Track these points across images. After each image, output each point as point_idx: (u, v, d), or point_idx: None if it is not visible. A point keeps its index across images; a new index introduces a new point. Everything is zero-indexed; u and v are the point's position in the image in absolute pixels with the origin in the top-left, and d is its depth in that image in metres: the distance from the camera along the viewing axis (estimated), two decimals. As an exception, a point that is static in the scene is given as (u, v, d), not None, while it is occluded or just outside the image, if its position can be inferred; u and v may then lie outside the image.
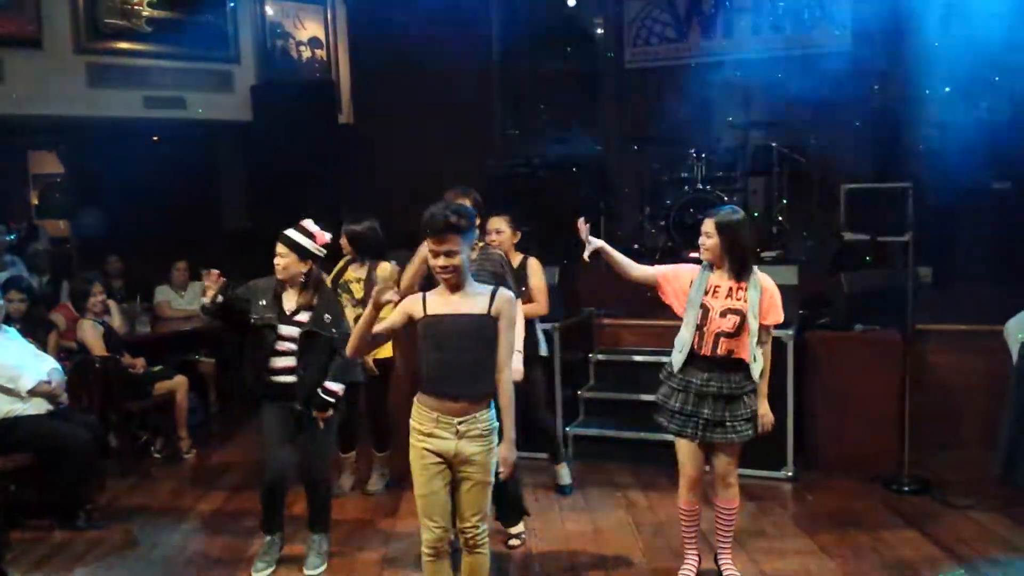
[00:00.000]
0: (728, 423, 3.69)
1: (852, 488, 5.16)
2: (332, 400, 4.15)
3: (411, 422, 3.22)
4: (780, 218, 8.06)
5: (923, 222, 5.45)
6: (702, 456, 3.82)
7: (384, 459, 5.44)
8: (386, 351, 5.22)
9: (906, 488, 5.06)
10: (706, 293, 3.71)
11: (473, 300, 3.14)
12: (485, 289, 3.20)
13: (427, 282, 3.94)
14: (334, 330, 4.13)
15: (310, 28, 9.30)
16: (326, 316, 4.14)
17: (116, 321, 6.41)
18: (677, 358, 3.77)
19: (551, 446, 5.26)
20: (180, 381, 6.30)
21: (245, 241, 8.04)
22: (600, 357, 6.32)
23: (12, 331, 5.15)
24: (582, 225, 4.01)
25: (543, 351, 5.20)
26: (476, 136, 9.07)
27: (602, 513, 4.94)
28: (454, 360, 3.12)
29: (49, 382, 4.93)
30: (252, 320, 4.13)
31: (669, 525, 4.63)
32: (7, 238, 7.52)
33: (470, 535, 3.23)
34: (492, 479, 3.24)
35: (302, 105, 8.44)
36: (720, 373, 3.68)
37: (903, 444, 5.15)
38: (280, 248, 4.11)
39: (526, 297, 4.79)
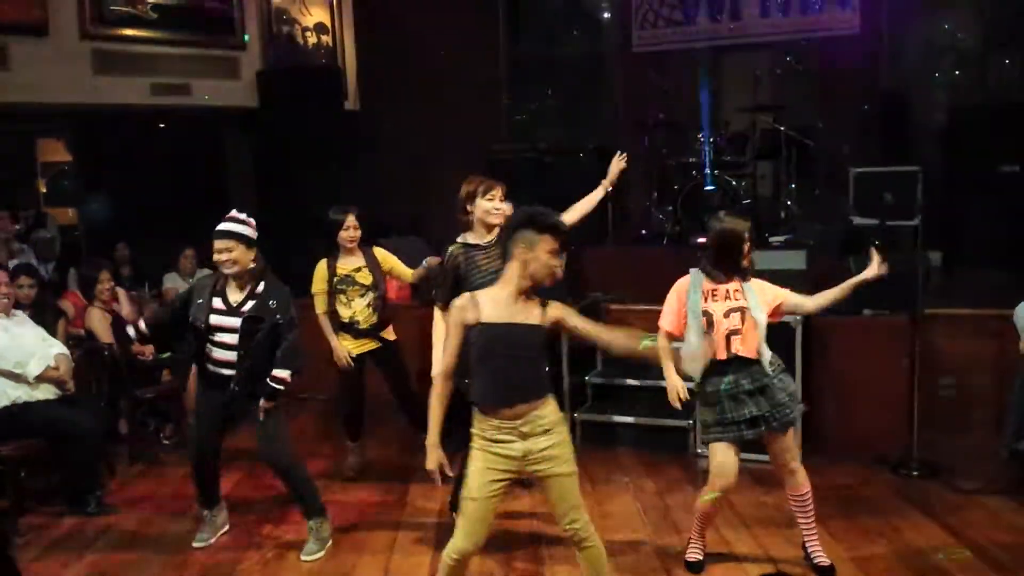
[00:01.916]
0: (769, 413, 3.68)
1: (860, 473, 5.15)
2: (280, 387, 4.15)
3: (473, 429, 3.17)
4: (788, 202, 8.02)
5: (932, 206, 5.42)
6: (738, 462, 3.77)
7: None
8: (389, 334, 5.25)
9: (914, 473, 5.06)
10: (705, 299, 3.72)
11: (528, 309, 3.08)
12: (536, 298, 3.12)
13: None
14: (278, 316, 4.12)
15: (316, 14, 9.26)
16: (271, 302, 4.13)
17: (124, 308, 6.43)
18: (694, 368, 3.76)
19: None
20: (190, 370, 6.30)
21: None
22: (607, 342, 6.30)
23: (21, 315, 5.17)
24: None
25: None
26: (482, 121, 9.04)
27: (609, 498, 4.95)
28: (507, 371, 3.06)
29: (56, 368, 4.94)
30: (190, 319, 4.17)
31: (677, 510, 4.64)
32: (15, 227, 7.53)
33: (571, 531, 3.16)
34: (575, 470, 3.18)
35: (308, 91, 8.42)
36: (739, 371, 3.69)
37: (911, 429, 5.14)
38: (224, 244, 4.07)
39: None
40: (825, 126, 8.21)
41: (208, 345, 4.18)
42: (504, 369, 3.06)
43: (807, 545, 3.97)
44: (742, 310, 3.68)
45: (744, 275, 3.76)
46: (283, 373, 4.14)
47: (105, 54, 8.01)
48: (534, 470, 3.12)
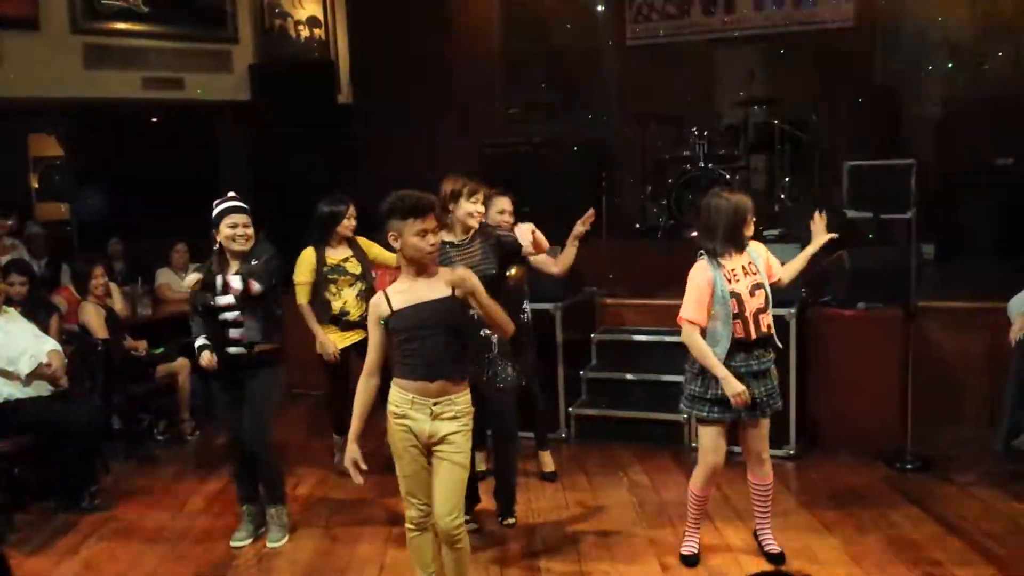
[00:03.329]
0: (764, 398, 3.71)
1: (854, 465, 5.16)
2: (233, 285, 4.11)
3: (388, 405, 3.26)
4: (782, 195, 8.03)
5: (926, 199, 5.43)
6: (726, 442, 3.81)
7: None
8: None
9: (908, 465, 5.07)
10: (729, 282, 3.67)
11: (436, 284, 3.19)
12: (444, 270, 3.24)
13: None
14: (264, 268, 4.18)
15: (308, 7, 9.22)
16: (252, 261, 4.20)
17: (118, 304, 6.40)
18: (717, 352, 3.67)
19: (538, 428, 5.22)
20: (182, 363, 6.29)
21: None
22: (602, 337, 6.31)
23: (13, 312, 5.15)
24: None
25: (527, 317, 5.05)
26: (476, 115, 9.02)
27: (605, 493, 4.94)
28: (427, 346, 3.16)
29: (49, 364, 4.92)
30: (199, 309, 4.20)
31: (672, 504, 4.65)
32: (8, 221, 7.50)
33: (447, 530, 3.21)
34: (468, 465, 3.28)
35: (301, 85, 8.40)
36: (755, 351, 3.69)
37: (905, 421, 5.15)
38: (243, 219, 4.18)
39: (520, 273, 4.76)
40: (819, 119, 8.22)
41: (222, 328, 4.20)
42: (425, 347, 3.16)
43: (759, 533, 4.04)
44: (763, 285, 3.68)
45: (745, 245, 3.75)
46: (236, 284, 4.10)
47: (97, 48, 7.96)
48: (434, 452, 3.22)
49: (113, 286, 6.42)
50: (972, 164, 7.36)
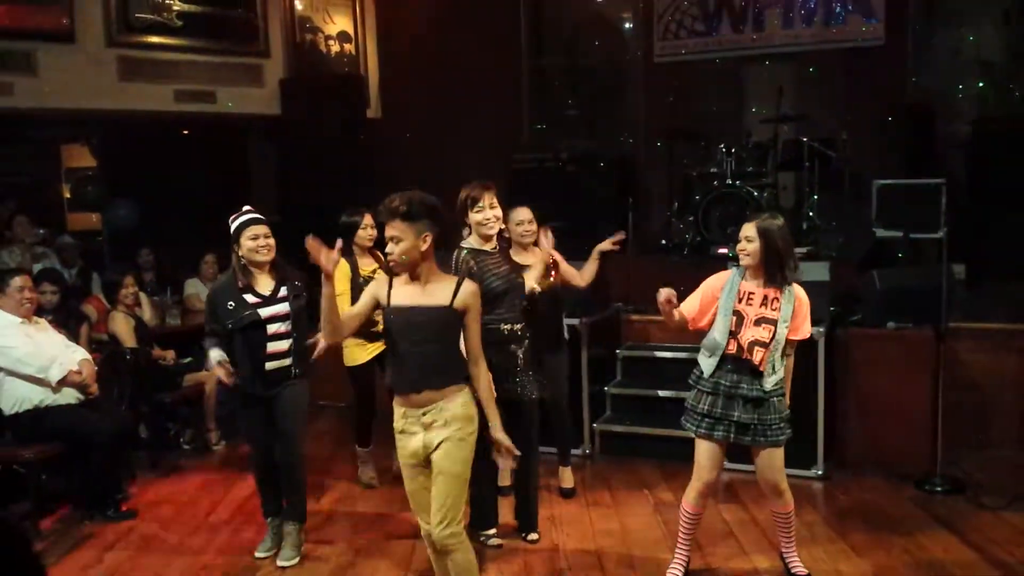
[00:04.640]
0: (757, 425, 3.64)
1: (883, 488, 5.09)
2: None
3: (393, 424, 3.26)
4: (811, 214, 7.96)
5: (957, 219, 5.38)
6: (722, 461, 3.79)
7: None
8: None
9: (938, 488, 4.99)
10: (739, 300, 3.65)
11: (436, 292, 3.14)
12: (450, 280, 3.19)
13: None
14: (304, 293, 4.30)
15: (339, 22, 9.32)
16: (296, 283, 4.29)
17: (147, 313, 6.47)
18: (708, 363, 3.70)
19: (563, 444, 5.21)
20: (209, 373, 6.31)
21: (274, 234, 8.07)
22: (627, 353, 6.29)
23: (43, 322, 5.21)
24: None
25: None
26: (504, 130, 9.06)
27: (629, 510, 4.91)
28: (414, 353, 3.12)
29: (80, 372, 4.97)
30: (229, 327, 4.15)
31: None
32: (39, 232, 7.60)
33: (438, 540, 3.16)
34: (465, 473, 3.19)
35: (331, 99, 8.49)
36: (750, 376, 3.64)
37: (935, 443, 5.08)
38: (265, 229, 4.20)
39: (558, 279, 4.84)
40: (848, 137, 8.16)
41: (265, 342, 4.19)
42: (410, 353, 3.12)
43: (784, 556, 3.98)
44: (775, 324, 3.61)
45: (786, 280, 3.67)
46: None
47: (131, 61, 8.09)
48: (431, 463, 3.17)
49: (143, 296, 6.50)
50: (1003, 184, 7.26)
